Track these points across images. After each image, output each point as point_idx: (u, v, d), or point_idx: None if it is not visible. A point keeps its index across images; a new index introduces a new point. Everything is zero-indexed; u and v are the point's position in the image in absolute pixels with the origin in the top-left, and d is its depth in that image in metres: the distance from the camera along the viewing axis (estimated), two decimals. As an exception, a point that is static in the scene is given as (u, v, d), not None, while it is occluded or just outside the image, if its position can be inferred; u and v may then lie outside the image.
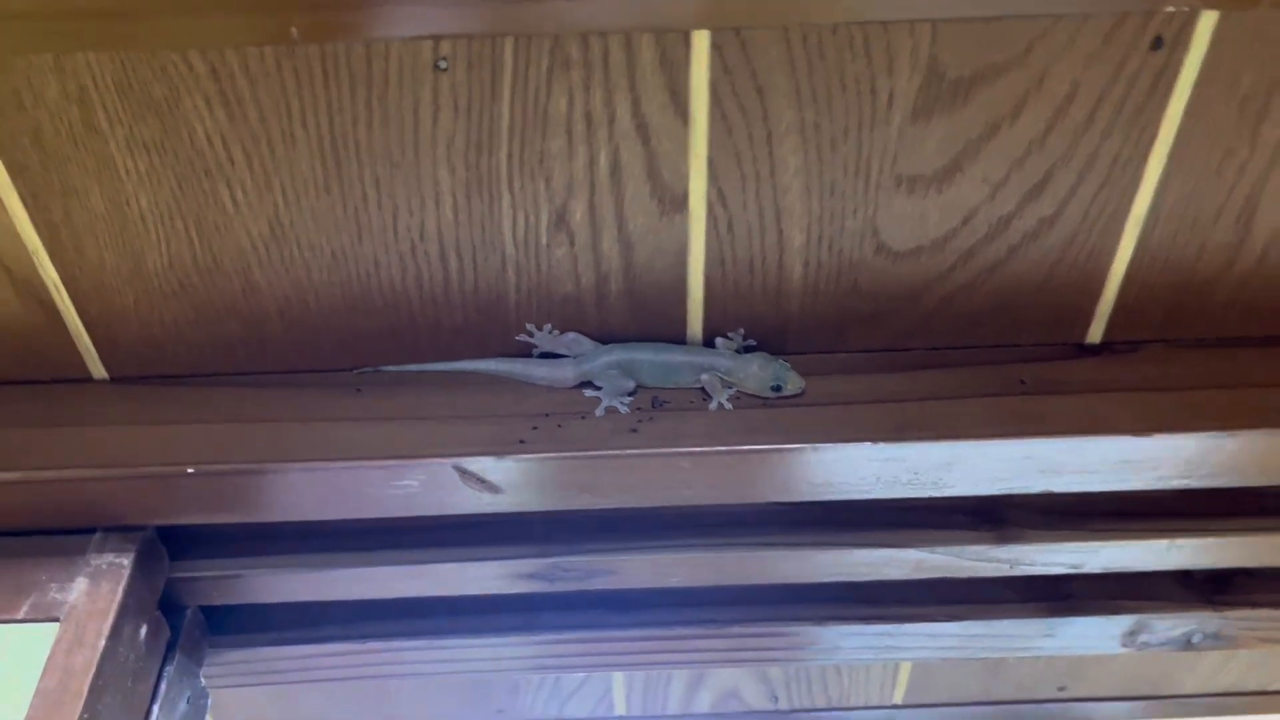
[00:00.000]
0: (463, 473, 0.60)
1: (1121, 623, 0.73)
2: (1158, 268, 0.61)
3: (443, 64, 0.51)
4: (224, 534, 0.69)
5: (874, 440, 0.59)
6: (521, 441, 0.60)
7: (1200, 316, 0.64)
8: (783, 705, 0.93)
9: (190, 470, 0.60)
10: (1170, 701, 0.91)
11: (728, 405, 0.62)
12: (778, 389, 0.61)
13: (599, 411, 0.62)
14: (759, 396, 0.62)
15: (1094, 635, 0.73)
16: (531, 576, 0.68)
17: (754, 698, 0.92)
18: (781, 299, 0.62)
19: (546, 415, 0.62)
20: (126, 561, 0.62)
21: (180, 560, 0.67)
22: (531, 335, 0.63)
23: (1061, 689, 0.92)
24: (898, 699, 0.93)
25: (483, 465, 0.60)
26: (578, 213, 0.57)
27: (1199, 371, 0.63)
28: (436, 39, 0.49)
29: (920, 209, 0.57)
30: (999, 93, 0.53)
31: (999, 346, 0.65)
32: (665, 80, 0.52)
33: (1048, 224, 0.58)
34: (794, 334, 0.64)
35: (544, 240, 0.58)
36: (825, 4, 0.48)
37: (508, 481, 0.60)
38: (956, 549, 0.67)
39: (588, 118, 0.53)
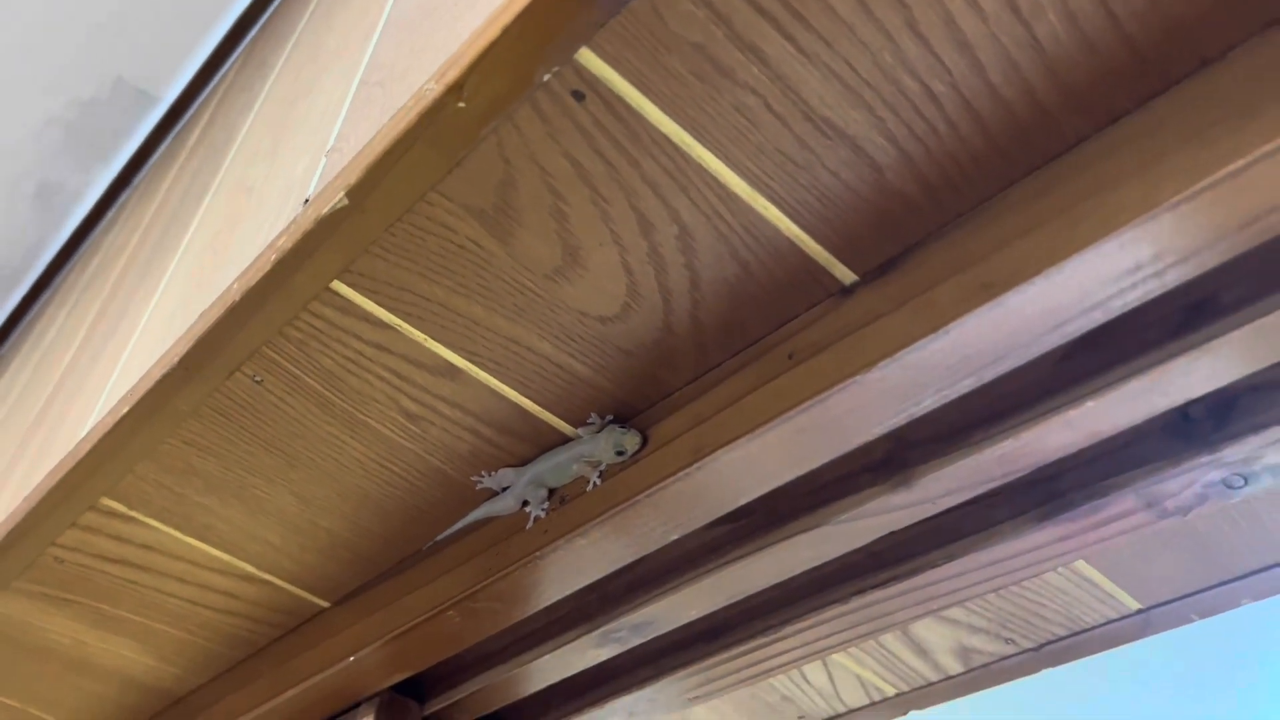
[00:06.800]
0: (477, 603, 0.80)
1: (1125, 499, 0.65)
2: (818, 207, 0.59)
3: (258, 379, 0.73)
4: (445, 673, 0.95)
5: (675, 473, 0.66)
6: (489, 570, 0.78)
7: (913, 217, 0.59)
8: (1025, 644, 0.91)
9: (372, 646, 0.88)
10: None
11: (598, 482, 0.73)
12: (621, 453, 0.71)
13: (529, 525, 0.77)
14: (616, 464, 0.72)
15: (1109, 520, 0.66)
16: (600, 646, 0.83)
17: (989, 645, 0.92)
18: (590, 384, 0.72)
19: (503, 540, 0.78)
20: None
21: (432, 700, 0.95)
22: (481, 480, 0.80)
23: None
24: (1132, 604, 0.86)
25: (489, 593, 0.79)
26: (410, 405, 0.74)
27: (934, 267, 0.59)
28: (238, 369, 0.73)
29: (589, 285, 0.65)
30: (529, 193, 0.60)
31: (779, 327, 0.66)
32: (356, 318, 0.68)
33: (688, 235, 0.62)
34: (626, 399, 0.73)
35: (415, 429, 0.76)
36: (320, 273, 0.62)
37: (512, 596, 0.78)
38: (865, 508, 0.68)
39: (349, 360, 0.71)
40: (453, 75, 0.54)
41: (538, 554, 0.74)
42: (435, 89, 0.55)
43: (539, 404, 0.74)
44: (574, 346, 0.69)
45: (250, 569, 0.91)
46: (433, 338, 0.70)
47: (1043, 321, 0.54)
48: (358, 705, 0.94)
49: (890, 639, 0.93)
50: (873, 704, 1.01)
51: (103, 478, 0.82)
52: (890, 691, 0.99)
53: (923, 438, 0.66)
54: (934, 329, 0.56)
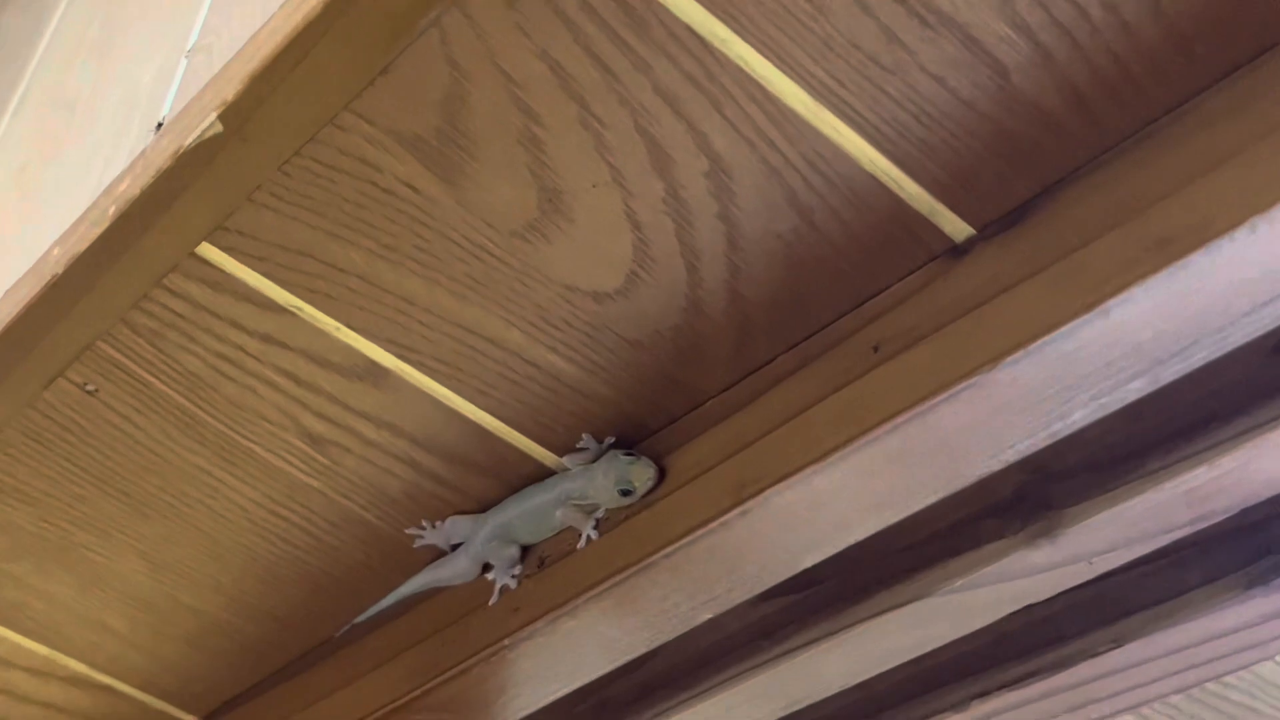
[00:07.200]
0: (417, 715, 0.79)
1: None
2: (915, 129, 0.59)
3: (91, 388, 0.73)
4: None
5: (707, 522, 0.66)
6: (435, 666, 0.78)
7: (1055, 144, 0.59)
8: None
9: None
10: None
11: (595, 535, 0.72)
12: (628, 492, 0.70)
13: (493, 599, 0.76)
14: (621, 508, 0.71)
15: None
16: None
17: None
18: (581, 391, 0.72)
19: (455, 621, 0.78)
20: None
21: None
22: (422, 535, 0.80)
23: None
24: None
25: (434, 700, 0.79)
26: (314, 424, 0.74)
27: (1085, 216, 0.58)
28: (62, 374, 0.72)
29: (577, 246, 0.65)
30: (489, 112, 0.59)
31: (859, 305, 0.66)
32: (234, 297, 0.68)
33: (723, 172, 0.61)
34: (633, 413, 0.73)
35: (323, 459, 0.76)
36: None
37: (468, 704, 0.78)
38: (989, 570, 0.67)
39: (225, 359, 0.71)
40: (374, -62, 0.53)
41: (506, 642, 0.73)
42: (348, -41, 0.54)
43: (505, 421, 0.74)
44: (556, 336, 0.69)
45: (81, 668, 0.91)
46: (347, 325, 0.69)
47: (1245, 295, 0.53)
48: None
49: (1026, 760, 0.93)
50: None
51: None
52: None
53: (1072, 466, 0.65)
54: (1087, 306, 0.55)
